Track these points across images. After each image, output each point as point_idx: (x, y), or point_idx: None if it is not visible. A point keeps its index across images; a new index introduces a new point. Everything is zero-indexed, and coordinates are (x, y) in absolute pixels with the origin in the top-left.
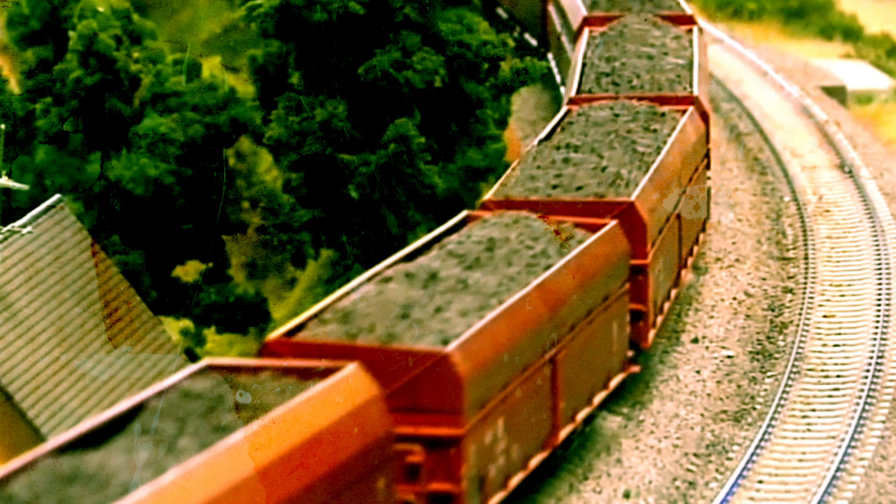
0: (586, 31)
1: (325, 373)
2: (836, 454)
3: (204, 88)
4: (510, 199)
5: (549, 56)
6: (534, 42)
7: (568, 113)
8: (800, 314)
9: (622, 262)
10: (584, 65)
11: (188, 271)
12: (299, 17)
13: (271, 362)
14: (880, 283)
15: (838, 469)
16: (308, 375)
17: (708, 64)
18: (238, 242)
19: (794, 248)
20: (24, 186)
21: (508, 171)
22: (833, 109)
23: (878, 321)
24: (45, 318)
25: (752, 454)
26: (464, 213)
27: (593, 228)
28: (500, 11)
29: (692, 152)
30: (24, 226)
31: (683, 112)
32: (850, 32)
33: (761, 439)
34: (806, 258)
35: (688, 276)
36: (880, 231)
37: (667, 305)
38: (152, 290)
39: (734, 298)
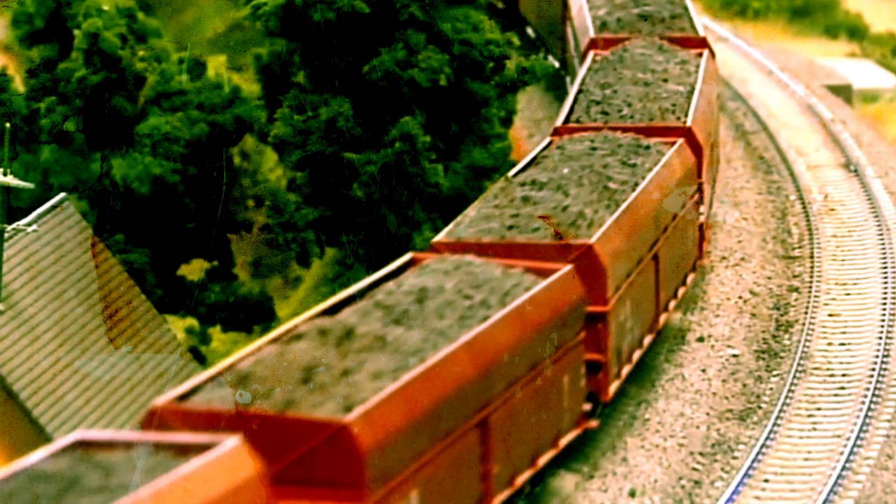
0: (590, 54)
1: (204, 448)
2: (841, 453)
3: (208, 87)
4: (461, 242)
5: (567, 80)
6: (556, 63)
7: (548, 145)
8: (805, 313)
9: (575, 311)
10: (579, 91)
11: (193, 270)
12: (304, 15)
13: (150, 435)
14: (886, 282)
15: (844, 468)
16: (186, 451)
17: (714, 90)
18: (243, 241)
19: (799, 247)
20: (29, 185)
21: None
22: (838, 108)
23: (883, 320)
24: (49, 316)
25: (758, 453)
26: (409, 256)
27: (544, 274)
28: (530, 30)
29: (677, 188)
30: (28, 224)
31: (672, 144)
32: (856, 31)
33: (767, 438)
34: (811, 257)
35: (674, 316)
36: (885, 230)
37: (637, 354)
38: (157, 288)
39: (739, 297)
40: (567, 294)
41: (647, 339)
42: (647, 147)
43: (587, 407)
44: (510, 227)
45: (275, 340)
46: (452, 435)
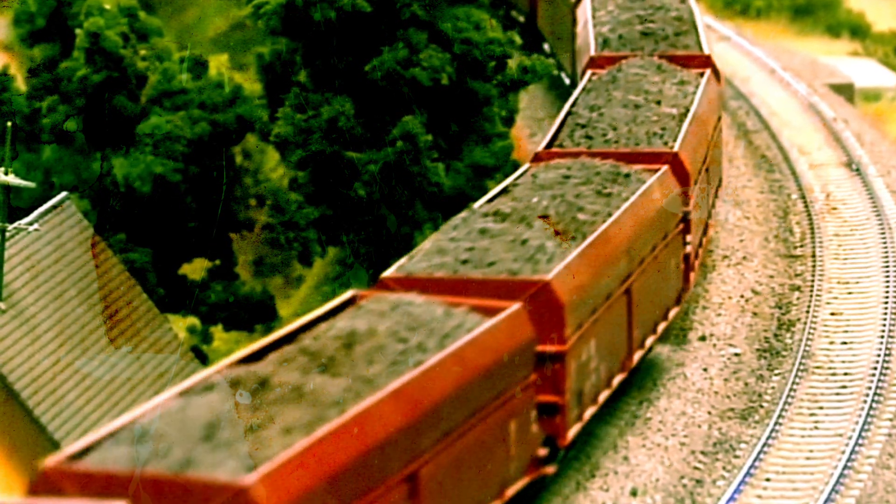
0: (588, 73)
1: None
2: (843, 452)
3: (210, 86)
4: (411, 277)
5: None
6: (567, 81)
7: (524, 172)
8: (807, 312)
9: (524, 352)
10: (568, 114)
11: (194, 269)
12: (305, 14)
13: (37, 503)
14: (888, 281)
15: (846, 467)
16: None
17: (714, 112)
18: (244, 240)
19: (801, 246)
20: (31, 184)
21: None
22: (840, 107)
23: (885, 319)
24: (50, 316)
25: (760, 452)
26: (350, 293)
27: (491, 313)
28: (546, 46)
29: (657, 219)
30: (29, 223)
31: (655, 171)
32: (858, 30)
33: (768, 437)
34: (813, 256)
35: (658, 351)
36: (887, 228)
37: (604, 395)
38: (158, 287)
39: (741, 296)
40: (514, 335)
41: (618, 379)
42: (627, 175)
43: (542, 452)
44: (464, 262)
45: (184, 393)
46: (375, 492)
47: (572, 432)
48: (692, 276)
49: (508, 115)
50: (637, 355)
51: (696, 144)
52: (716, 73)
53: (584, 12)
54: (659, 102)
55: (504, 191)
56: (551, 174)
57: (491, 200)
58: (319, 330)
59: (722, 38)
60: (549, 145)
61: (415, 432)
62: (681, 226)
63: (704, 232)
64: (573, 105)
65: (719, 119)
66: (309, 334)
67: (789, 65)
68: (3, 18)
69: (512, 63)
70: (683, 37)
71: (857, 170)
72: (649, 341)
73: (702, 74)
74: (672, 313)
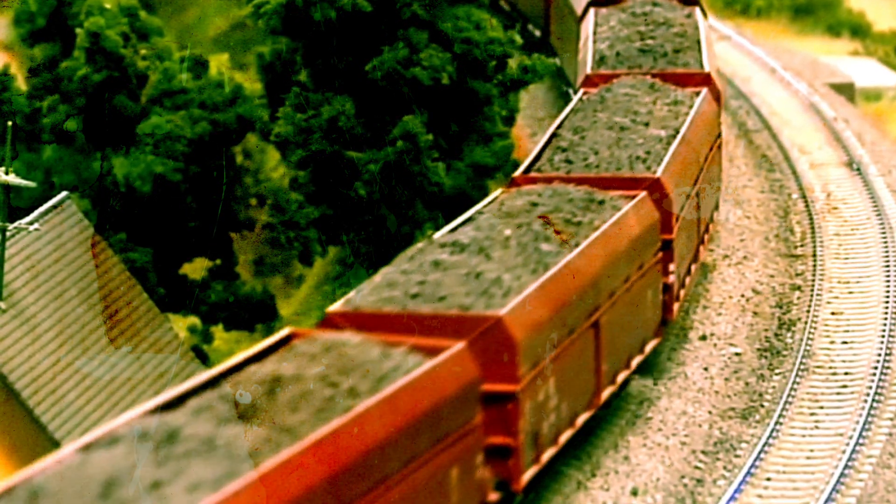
0: (581, 92)
1: None
2: (844, 451)
3: (210, 86)
4: (358, 312)
5: None
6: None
7: (493, 199)
8: (808, 311)
9: (467, 394)
10: (552, 136)
11: (195, 269)
12: (306, 14)
13: None
14: (888, 280)
15: (846, 466)
16: None
17: (709, 132)
18: (245, 240)
19: (802, 246)
20: (31, 184)
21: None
22: (841, 106)
23: (885, 318)
24: (50, 315)
25: (760, 451)
26: (287, 331)
27: (433, 352)
28: (557, 61)
29: (632, 248)
30: (30, 223)
31: (632, 198)
32: (859, 29)
33: (769, 436)
34: (814, 255)
35: (639, 384)
36: (888, 228)
37: (566, 435)
38: (159, 287)
39: (742, 295)
40: (456, 376)
41: (583, 418)
42: (601, 202)
43: (494, 497)
44: (414, 296)
45: (86, 447)
46: None
47: (527, 476)
48: (676, 306)
49: (509, 114)
50: (606, 392)
51: (684, 169)
52: (715, 91)
53: (587, 28)
54: (647, 124)
55: (469, 219)
56: (519, 201)
57: (454, 229)
58: (245, 374)
59: (722, 38)
60: (528, 169)
61: (340, 484)
62: (660, 255)
63: (695, 258)
64: (559, 126)
65: (717, 139)
66: (233, 379)
67: (790, 64)
68: (4, 18)
69: (512, 63)
70: (683, 54)
71: (858, 169)
72: (622, 376)
73: (698, 93)
74: (649, 346)
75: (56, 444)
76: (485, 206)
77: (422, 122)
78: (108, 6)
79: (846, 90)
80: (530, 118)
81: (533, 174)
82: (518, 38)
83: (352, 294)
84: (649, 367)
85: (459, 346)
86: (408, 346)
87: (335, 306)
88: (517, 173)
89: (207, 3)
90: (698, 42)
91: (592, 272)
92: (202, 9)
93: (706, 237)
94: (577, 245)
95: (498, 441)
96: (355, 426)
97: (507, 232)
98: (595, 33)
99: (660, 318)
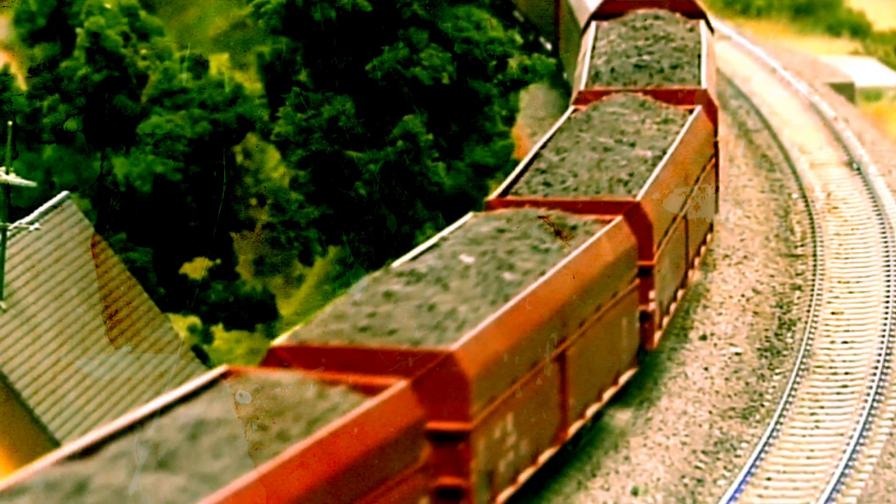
0: (570, 110)
1: None
2: (844, 451)
3: (211, 86)
4: (304, 346)
5: None
6: None
7: (461, 225)
8: (808, 311)
9: (411, 435)
10: (534, 157)
11: (195, 268)
12: (306, 14)
13: None
14: (888, 280)
15: (847, 466)
16: None
17: (701, 152)
18: (245, 239)
19: (802, 245)
20: (31, 183)
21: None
22: (841, 106)
23: (886, 318)
24: (50, 315)
25: (761, 451)
26: (223, 368)
27: (373, 392)
28: (565, 76)
29: (604, 276)
30: (30, 223)
31: (607, 223)
32: (859, 29)
33: (769, 436)
34: (814, 255)
35: (618, 417)
36: (888, 228)
37: (527, 473)
38: (159, 287)
39: (742, 295)
40: (397, 416)
41: (546, 455)
42: (574, 227)
43: None
44: (363, 329)
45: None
46: None
47: None
48: (657, 334)
49: (509, 114)
50: (574, 427)
51: (670, 191)
52: (711, 108)
53: (587, 42)
54: (633, 144)
55: (433, 246)
56: (486, 227)
57: (415, 257)
58: (170, 418)
59: (723, 38)
60: (505, 192)
61: None
62: (637, 281)
63: (683, 282)
64: (542, 147)
65: (711, 159)
66: (156, 422)
67: (790, 64)
68: (4, 18)
69: (512, 62)
70: (681, 69)
71: (858, 169)
72: (592, 410)
73: (692, 111)
74: (624, 378)
75: (56, 444)
76: (451, 232)
77: (422, 121)
78: (108, 6)
79: (846, 90)
80: (530, 118)
81: (509, 197)
82: (518, 38)
83: (298, 327)
84: (649, 371)
85: (401, 384)
86: (347, 385)
87: (280, 340)
88: (492, 196)
89: (207, 2)
90: (699, 57)
91: (558, 302)
92: (202, 9)
93: (697, 260)
94: (542, 273)
95: (449, 482)
96: (283, 473)
97: (469, 260)
98: (594, 48)
99: (637, 347)
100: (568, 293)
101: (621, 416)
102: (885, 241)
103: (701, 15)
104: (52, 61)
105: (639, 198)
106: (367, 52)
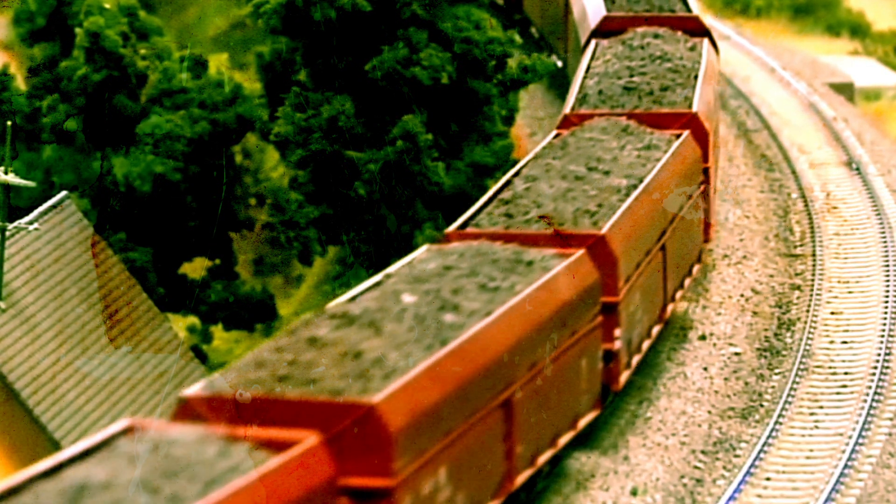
0: (552, 135)
1: None
2: (843, 451)
3: (210, 85)
4: (217, 397)
5: None
6: None
7: (410, 260)
8: (807, 311)
9: (320, 496)
10: (503, 185)
11: (195, 268)
12: (305, 14)
13: None
14: (888, 280)
15: (846, 466)
16: None
17: (681, 181)
18: (245, 239)
19: (801, 245)
20: (31, 183)
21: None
22: (840, 106)
23: (885, 318)
24: (50, 315)
25: (760, 451)
26: (127, 422)
27: (283, 448)
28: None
29: (560, 315)
30: (29, 223)
31: (568, 257)
32: (858, 29)
33: (769, 436)
34: (813, 255)
35: (578, 462)
36: (888, 228)
37: None
38: (158, 287)
39: (741, 295)
40: (308, 475)
41: None
42: (530, 263)
43: None
44: (282, 379)
45: None
46: None
47: None
48: (625, 374)
49: (509, 114)
50: (523, 476)
51: (643, 222)
52: (701, 132)
53: (583, 61)
54: (608, 173)
55: (376, 284)
56: (433, 264)
57: (354, 298)
58: (52, 481)
59: (722, 38)
60: (465, 224)
61: None
62: (599, 319)
63: (660, 318)
64: (515, 174)
65: (700, 187)
66: (33, 488)
67: (789, 64)
68: (3, 18)
69: (512, 62)
70: (672, 91)
71: (857, 169)
72: (544, 458)
73: (679, 136)
74: (584, 421)
75: (56, 444)
76: (398, 269)
77: (421, 121)
78: (107, 6)
79: (846, 90)
80: (530, 118)
81: (469, 230)
82: (518, 38)
83: (216, 375)
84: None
85: (311, 440)
86: (254, 440)
87: (193, 389)
88: (451, 228)
89: (207, 2)
90: (696, 77)
91: (504, 345)
92: (202, 8)
93: (679, 293)
94: (488, 314)
95: None
96: None
97: (410, 300)
98: (588, 67)
99: (599, 388)
100: (516, 335)
101: (585, 460)
102: (885, 241)
103: (705, 33)
104: (52, 61)
105: (604, 230)
106: (367, 51)
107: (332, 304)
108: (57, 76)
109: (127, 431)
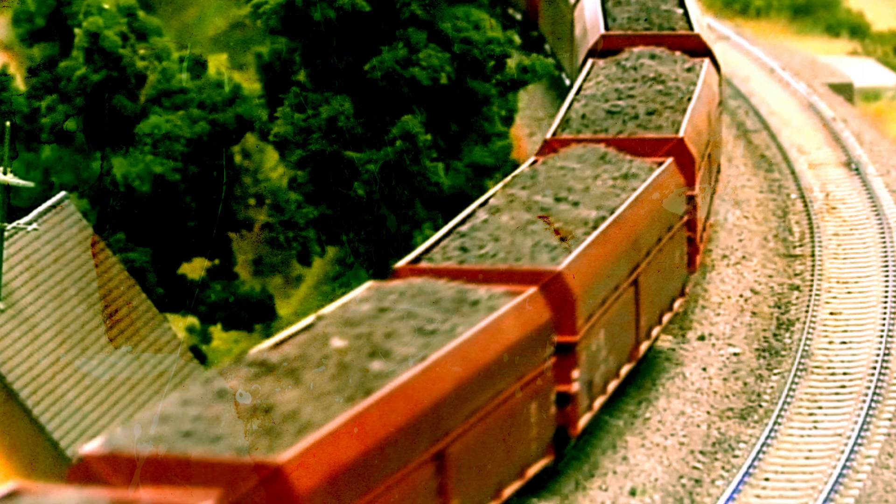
0: (529, 161)
1: None
2: (842, 452)
3: (210, 86)
4: (116, 455)
5: None
6: None
7: (346, 301)
8: (806, 311)
9: None
10: (465, 218)
11: (194, 268)
12: (305, 14)
13: None
14: (887, 281)
15: (845, 467)
16: None
17: (659, 214)
18: (244, 240)
19: (800, 246)
20: (30, 184)
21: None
22: (839, 106)
23: (884, 318)
24: (49, 315)
25: (759, 452)
26: (12, 486)
27: None
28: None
29: (505, 358)
30: (29, 223)
31: (517, 295)
32: (857, 29)
33: (767, 437)
34: (812, 255)
35: None
36: (887, 228)
37: None
38: (158, 287)
39: (740, 296)
40: None
41: None
42: (475, 302)
43: None
44: (185, 435)
45: None
46: None
47: None
48: (585, 418)
49: (508, 114)
50: None
51: (609, 258)
52: (686, 159)
53: (577, 82)
54: (577, 204)
55: (307, 327)
56: (369, 304)
57: (283, 340)
58: None
59: (721, 38)
60: (418, 258)
61: None
62: (551, 360)
63: (631, 356)
64: (481, 204)
65: (682, 218)
66: None
67: (789, 64)
68: (3, 18)
69: (511, 62)
70: (658, 116)
71: (857, 169)
72: None
73: (661, 164)
74: (534, 470)
75: (55, 445)
76: (332, 310)
77: (421, 121)
78: (106, 6)
79: (845, 90)
80: (529, 118)
81: (422, 264)
82: (517, 39)
83: (118, 430)
84: (647, 371)
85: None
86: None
87: (91, 447)
88: (402, 263)
89: (206, 2)
90: (688, 100)
91: (437, 393)
92: (201, 8)
93: (656, 330)
94: (422, 360)
95: None
96: None
97: (339, 345)
98: (580, 89)
99: (551, 434)
100: (452, 382)
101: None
102: (884, 242)
103: (707, 53)
104: (51, 61)
105: (561, 266)
106: (366, 52)
107: (254, 350)
108: (56, 76)
109: (11, 496)
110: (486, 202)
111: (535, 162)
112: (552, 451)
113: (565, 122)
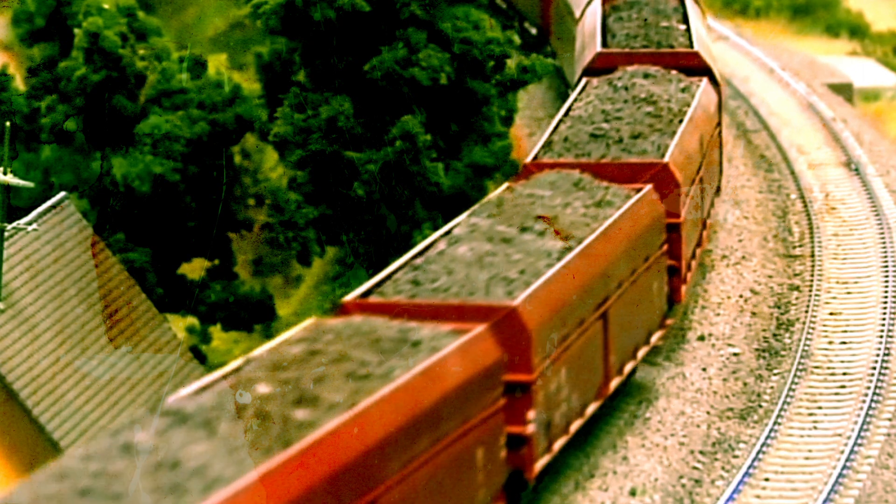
0: (503, 187)
1: None
2: (842, 452)
3: (209, 86)
4: None
5: None
6: None
7: (283, 340)
8: (806, 311)
9: None
10: (424, 249)
11: (194, 269)
12: (305, 14)
13: None
14: (886, 281)
15: (844, 467)
16: None
17: (633, 244)
18: (244, 240)
19: (800, 246)
20: (30, 184)
21: None
22: (839, 106)
23: (884, 318)
24: (49, 316)
25: (759, 452)
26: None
27: None
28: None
29: (447, 402)
30: (29, 223)
31: (463, 333)
32: (857, 30)
33: (767, 437)
34: (812, 255)
35: None
36: (886, 228)
37: None
38: (157, 287)
39: (740, 296)
40: None
41: None
42: (417, 343)
43: None
44: (83, 493)
45: None
46: None
47: None
48: (542, 460)
49: (508, 114)
50: None
51: (572, 291)
52: (668, 185)
53: (567, 102)
54: (542, 234)
55: (234, 370)
56: (298, 348)
57: (206, 386)
58: None
59: (721, 38)
60: (368, 292)
61: None
62: (501, 402)
63: (599, 394)
64: (443, 234)
65: (660, 248)
66: None
67: (788, 64)
68: (3, 18)
69: (511, 63)
70: (643, 139)
71: (856, 169)
72: None
73: (639, 191)
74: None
75: (55, 445)
76: (261, 352)
77: (421, 121)
78: (106, 6)
79: (845, 90)
80: (529, 118)
81: (371, 299)
82: (517, 39)
83: (16, 485)
84: (647, 371)
85: None
86: None
87: None
88: (350, 297)
89: (206, 2)
90: (680, 122)
91: (366, 443)
92: (201, 9)
93: (629, 366)
94: (352, 406)
95: None
96: None
97: (263, 391)
98: (569, 109)
99: (501, 480)
100: (384, 429)
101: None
102: (883, 242)
103: (706, 72)
104: (51, 61)
105: (516, 301)
106: (366, 52)
107: (173, 398)
108: (56, 76)
109: None
110: (448, 231)
111: (508, 188)
112: (503, 497)
113: (547, 146)
